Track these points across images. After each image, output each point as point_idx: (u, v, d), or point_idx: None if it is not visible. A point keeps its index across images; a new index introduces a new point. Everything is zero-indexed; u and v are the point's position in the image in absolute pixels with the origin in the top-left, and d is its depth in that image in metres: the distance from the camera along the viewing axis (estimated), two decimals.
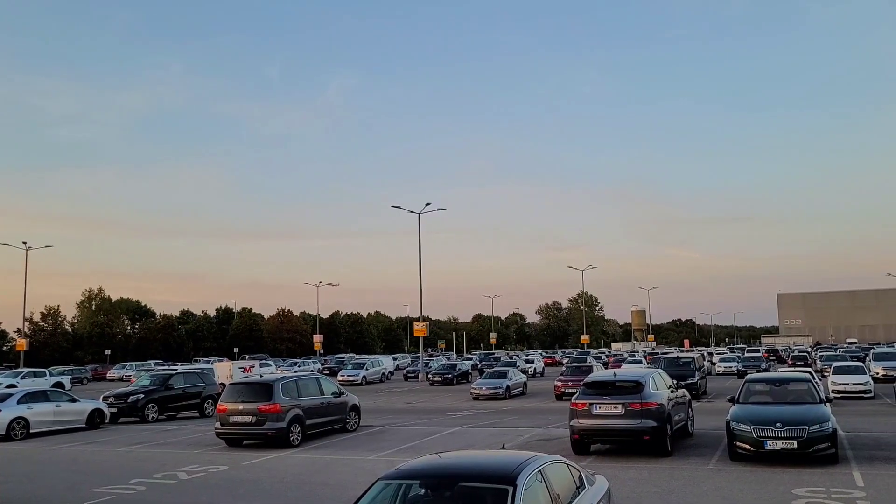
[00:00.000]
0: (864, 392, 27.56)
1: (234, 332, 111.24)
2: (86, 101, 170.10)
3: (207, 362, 57.90)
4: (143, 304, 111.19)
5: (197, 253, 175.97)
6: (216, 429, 17.99)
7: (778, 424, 12.78)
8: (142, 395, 25.78)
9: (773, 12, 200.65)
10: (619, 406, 14.22)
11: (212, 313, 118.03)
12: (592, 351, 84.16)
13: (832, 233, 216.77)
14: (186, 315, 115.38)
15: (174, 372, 30.17)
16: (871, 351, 45.37)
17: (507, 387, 32.93)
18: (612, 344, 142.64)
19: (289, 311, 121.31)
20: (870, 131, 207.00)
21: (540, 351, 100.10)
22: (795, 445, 12.58)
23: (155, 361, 73.76)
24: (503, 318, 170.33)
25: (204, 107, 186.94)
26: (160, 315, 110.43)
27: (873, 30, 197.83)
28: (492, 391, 32.25)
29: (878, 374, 34.05)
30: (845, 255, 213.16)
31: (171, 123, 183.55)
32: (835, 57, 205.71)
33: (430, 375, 46.99)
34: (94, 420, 23.45)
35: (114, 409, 24.88)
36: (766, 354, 59.87)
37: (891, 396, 26.62)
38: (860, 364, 33.03)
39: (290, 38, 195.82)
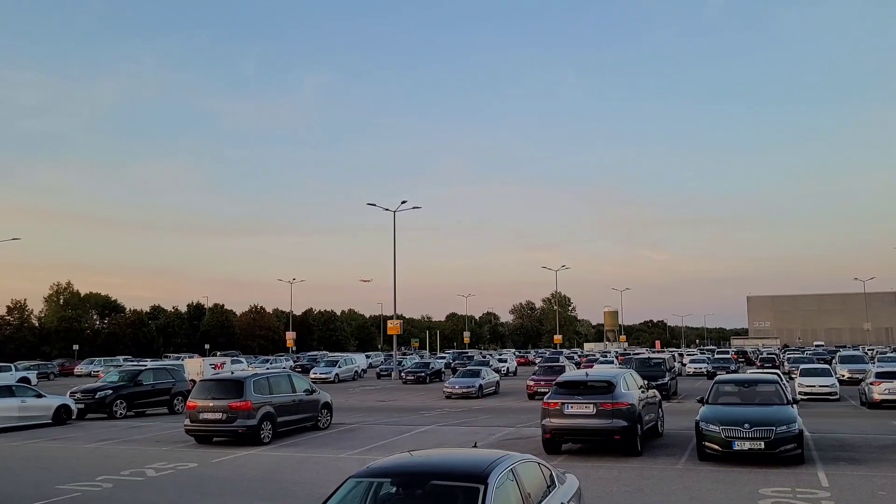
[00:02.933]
0: (830, 394, 28.02)
1: (205, 328, 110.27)
2: (56, 92, 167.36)
3: (178, 358, 57.23)
4: (112, 299, 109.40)
5: (168, 248, 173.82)
6: (186, 426, 17.81)
7: (746, 425, 12.96)
8: (110, 391, 25.42)
9: (748, 14, 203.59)
10: (591, 406, 14.33)
11: (183, 309, 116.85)
12: (565, 351, 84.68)
13: (801, 237, 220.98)
14: (157, 310, 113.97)
15: (143, 368, 29.75)
16: (838, 354, 46.27)
17: (480, 386, 33.03)
18: (585, 344, 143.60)
19: (261, 307, 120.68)
20: (841, 136, 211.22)
21: (513, 350, 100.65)
22: (763, 446, 12.76)
23: (124, 357, 72.89)
24: (477, 317, 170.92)
25: (177, 101, 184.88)
26: (130, 310, 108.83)
27: (845, 33, 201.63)
28: (464, 390, 32.31)
29: (843, 376, 34.81)
30: (814, 260, 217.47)
31: (143, 117, 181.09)
32: (807, 60, 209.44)
33: (403, 374, 46.95)
34: (61, 416, 23.09)
35: (81, 405, 24.53)
36: (735, 356, 60.57)
37: (856, 398, 27.12)
38: (826, 366, 33.64)
39: (266, 33, 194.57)
